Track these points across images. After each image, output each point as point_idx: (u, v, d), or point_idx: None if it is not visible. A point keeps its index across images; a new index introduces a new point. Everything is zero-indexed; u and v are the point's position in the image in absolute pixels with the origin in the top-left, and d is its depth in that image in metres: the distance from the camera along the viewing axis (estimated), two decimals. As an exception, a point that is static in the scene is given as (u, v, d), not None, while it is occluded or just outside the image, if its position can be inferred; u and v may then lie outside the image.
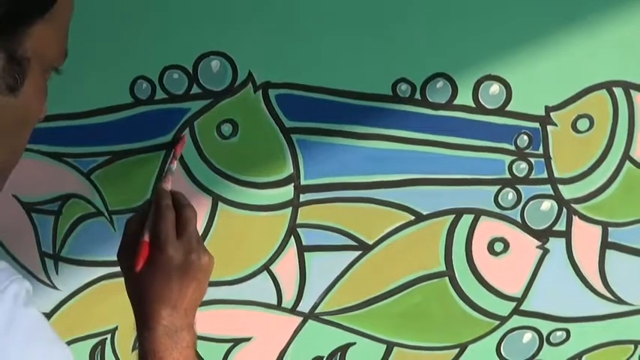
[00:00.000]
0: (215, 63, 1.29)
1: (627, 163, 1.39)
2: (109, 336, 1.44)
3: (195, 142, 1.32)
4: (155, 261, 1.06)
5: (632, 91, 1.36)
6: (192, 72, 1.30)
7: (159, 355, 1.02)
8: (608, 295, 1.48)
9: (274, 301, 1.41)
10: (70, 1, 0.88)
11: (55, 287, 1.43)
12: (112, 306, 1.41)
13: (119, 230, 1.36)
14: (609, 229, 1.44)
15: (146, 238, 1.09)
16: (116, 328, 1.43)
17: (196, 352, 1.08)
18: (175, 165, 1.27)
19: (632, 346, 1.55)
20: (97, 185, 1.35)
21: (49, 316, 1.43)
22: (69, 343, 1.43)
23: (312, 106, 1.32)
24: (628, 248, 1.46)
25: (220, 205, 1.35)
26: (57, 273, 1.42)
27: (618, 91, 1.36)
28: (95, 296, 1.42)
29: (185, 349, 1.04)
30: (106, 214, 1.36)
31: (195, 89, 1.31)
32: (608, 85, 1.35)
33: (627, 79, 1.36)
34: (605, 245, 1.45)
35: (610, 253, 1.45)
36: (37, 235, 1.40)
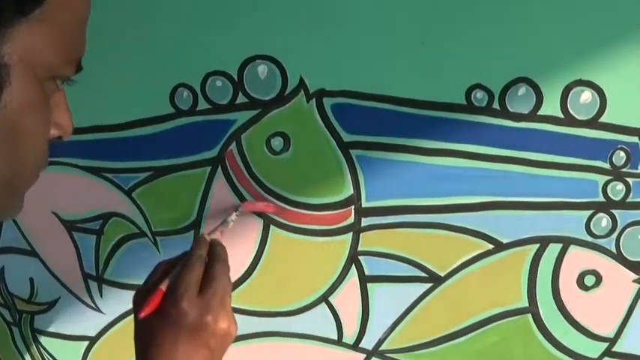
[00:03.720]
0: (262, 68, 1.09)
1: None
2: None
3: (242, 158, 1.11)
4: (165, 313, 0.88)
5: None
6: (237, 79, 1.09)
7: None
8: None
9: (334, 336, 1.19)
10: (76, 0, 0.70)
11: (99, 311, 1.27)
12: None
13: (163, 252, 1.15)
14: None
15: (163, 286, 0.91)
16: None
17: None
18: (234, 219, 1.08)
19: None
20: (138, 203, 1.14)
21: (94, 340, 1.29)
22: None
23: (374, 117, 1.11)
24: None
25: (272, 228, 1.12)
26: (101, 296, 1.28)
27: None
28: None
29: None
30: (149, 234, 1.18)
31: (241, 98, 1.10)
32: None
33: None
34: None
35: None
36: (79, 255, 1.25)
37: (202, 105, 1.14)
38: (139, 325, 0.92)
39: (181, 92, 1.14)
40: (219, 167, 1.15)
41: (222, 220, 1.06)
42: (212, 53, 1.10)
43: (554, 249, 1.15)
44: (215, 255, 0.95)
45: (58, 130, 0.74)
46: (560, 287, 1.17)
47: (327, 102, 1.11)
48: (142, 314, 0.88)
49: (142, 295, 0.93)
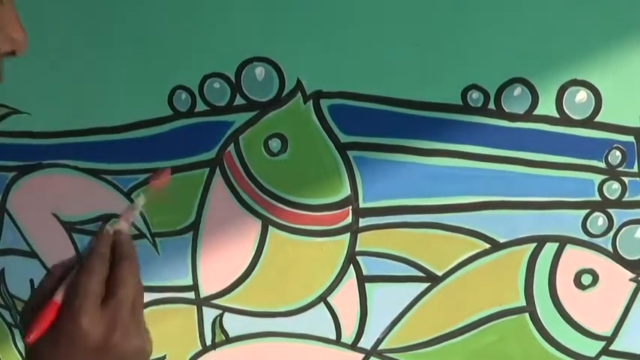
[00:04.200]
0: (260, 70, 1.09)
1: None
2: (156, 366, 1.22)
3: (241, 160, 1.11)
4: (61, 332, 0.67)
5: None
6: (234, 80, 1.08)
7: None
8: None
9: (333, 336, 1.20)
10: None
11: (99, 312, 1.20)
12: (161, 334, 1.18)
13: (163, 253, 1.15)
14: None
15: (57, 297, 0.69)
16: (164, 357, 1.20)
17: None
18: (141, 205, 0.83)
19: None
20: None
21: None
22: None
23: (371, 119, 1.11)
24: None
25: (271, 229, 1.11)
26: (101, 297, 1.19)
27: None
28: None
29: None
30: (148, 235, 1.17)
31: (238, 100, 1.09)
32: None
33: None
34: None
35: None
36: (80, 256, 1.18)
37: (200, 107, 1.14)
38: (28, 350, 0.70)
39: (180, 94, 1.14)
40: (218, 169, 1.14)
41: (128, 206, 0.82)
42: (210, 55, 1.11)
43: (550, 248, 1.15)
44: (119, 252, 0.73)
45: (12, 45, 0.68)
46: (557, 286, 1.17)
47: (324, 103, 1.11)
48: (31, 338, 0.67)
49: (30, 311, 0.70)
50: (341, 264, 1.16)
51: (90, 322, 0.67)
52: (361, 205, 1.13)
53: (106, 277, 0.70)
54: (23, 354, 0.80)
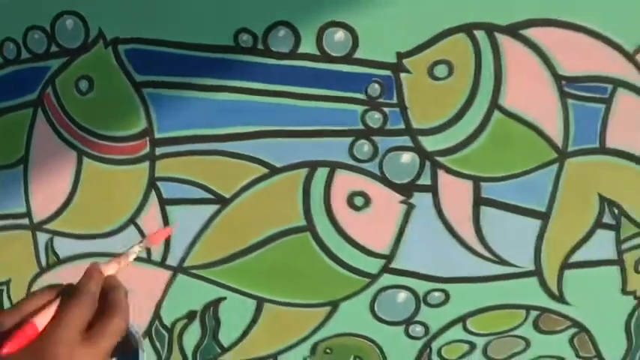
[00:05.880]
0: (69, 22, 1.22)
1: (496, 113, 1.22)
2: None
3: (58, 99, 1.25)
4: (37, 355, 0.68)
5: (496, 34, 1.19)
6: (50, 31, 1.20)
7: None
8: (488, 255, 1.30)
9: (144, 255, 1.29)
10: None
11: None
12: (4, 259, 1.34)
13: (1, 185, 1.32)
14: (481, 184, 1.25)
15: (39, 321, 0.71)
16: (9, 281, 1.35)
17: None
18: (137, 252, 0.87)
19: (524, 311, 1.34)
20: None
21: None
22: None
23: (162, 60, 1.23)
24: (505, 205, 1.26)
25: (86, 160, 1.25)
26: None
27: (480, 35, 1.19)
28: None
29: None
30: None
31: (54, 48, 1.21)
32: (467, 28, 1.19)
33: (490, 20, 1.18)
34: (479, 202, 1.25)
35: (485, 210, 1.27)
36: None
37: (25, 55, 1.28)
38: None
39: (8, 45, 1.28)
40: (40, 108, 1.29)
41: (122, 253, 0.86)
42: (30, 10, 1.24)
43: (322, 173, 1.26)
44: (117, 303, 0.75)
45: None
46: (332, 207, 1.28)
47: (122, 48, 1.24)
48: (4, 352, 0.68)
49: (10, 324, 0.71)
50: (144, 189, 1.29)
51: (67, 354, 0.68)
52: (156, 135, 1.26)
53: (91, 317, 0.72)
54: None
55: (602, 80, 1.23)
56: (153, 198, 1.29)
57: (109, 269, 0.79)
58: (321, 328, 1.36)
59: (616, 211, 1.32)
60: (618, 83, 1.23)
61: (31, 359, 0.68)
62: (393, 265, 1.31)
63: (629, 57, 1.21)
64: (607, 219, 1.33)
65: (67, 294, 0.73)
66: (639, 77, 1.24)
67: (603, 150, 1.28)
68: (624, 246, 1.35)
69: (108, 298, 0.74)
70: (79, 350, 0.69)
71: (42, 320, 0.71)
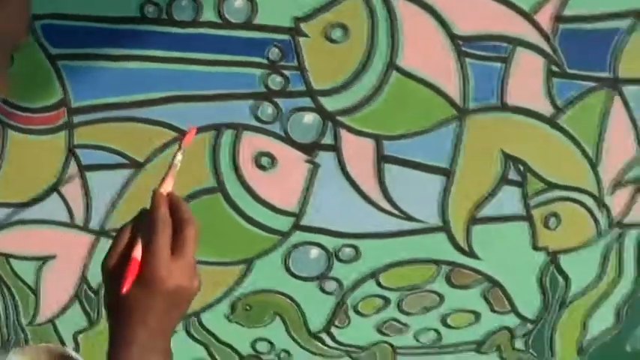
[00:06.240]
0: None
1: (394, 73, 1.27)
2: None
3: (-19, 74, 1.30)
4: (144, 281, 0.86)
5: (390, -4, 1.23)
6: None
7: None
8: (395, 211, 1.35)
9: (68, 220, 1.35)
10: None
11: None
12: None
13: None
14: (383, 142, 1.30)
15: (137, 254, 0.87)
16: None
17: None
18: (180, 159, 1.01)
19: (434, 266, 1.38)
20: None
21: None
22: None
23: (74, 33, 1.28)
24: (407, 162, 1.31)
25: (10, 132, 1.31)
26: None
27: (374, -4, 1.23)
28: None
29: None
30: None
31: None
32: (360, -8, 1.23)
33: (383, -17, 1.22)
34: (382, 159, 1.30)
35: (389, 168, 1.32)
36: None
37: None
38: (111, 293, 0.89)
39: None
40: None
41: (169, 167, 1.00)
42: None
43: (229, 135, 1.32)
44: (180, 214, 0.91)
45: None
46: (240, 168, 1.34)
47: (38, 23, 1.30)
48: (125, 289, 0.85)
49: (115, 266, 0.89)
50: (64, 157, 1.36)
51: (167, 272, 0.86)
52: (73, 105, 1.32)
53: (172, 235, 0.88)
54: (106, 306, 0.92)
55: (499, 39, 1.28)
56: (73, 165, 1.34)
57: (168, 186, 0.96)
58: (239, 285, 1.42)
59: (521, 167, 1.36)
60: (517, 42, 1.28)
61: (143, 288, 0.85)
62: (303, 223, 1.37)
63: (527, 16, 1.26)
64: (513, 175, 1.37)
65: (145, 223, 0.90)
66: (538, 36, 1.28)
67: (504, 107, 1.32)
68: (532, 202, 1.39)
69: (177, 214, 0.91)
70: (174, 265, 0.86)
71: (138, 253, 0.87)
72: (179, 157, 1.01)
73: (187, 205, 0.93)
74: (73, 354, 0.94)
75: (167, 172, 0.98)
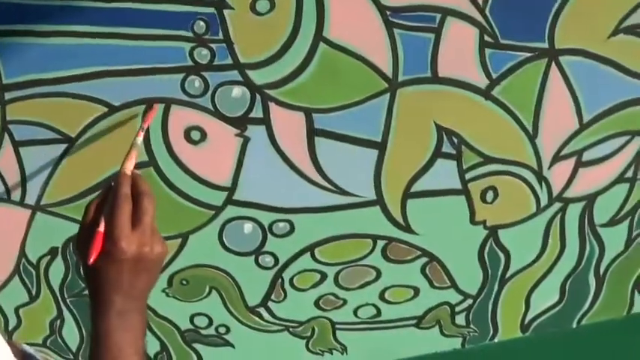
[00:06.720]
0: None
1: (322, 45, 1.26)
2: None
3: None
4: (108, 253, 0.97)
5: (313, -30, 1.21)
6: None
7: (109, 334, 0.98)
8: (328, 185, 1.34)
9: (5, 196, 1.35)
10: None
11: None
12: None
13: None
14: (313, 115, 1.29)
15: (101, 228, 0.98)
16: None
17: (145, 331, 1.03)
18: (142, 138, 1.14)
19: (370, 241, 1.37)
20: None
21: None
22: None
23: (1, 10, 1.26)
24: (338, 135, 1.30)
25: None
26: None
27: (295, -30, 1.22)
28: None
29: (134, 329, 1.00)
30: None
31: None
32: (285, -36, 1.21)
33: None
34: (313, 132, 1.29)
35: (320, 141, 1.31)
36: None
37: None
38: (85, 267, 1.01)
39: None
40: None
41: (131, 145, 1.13)
42: None
43: (158, 109, 1.31)
44: (140, 189, 1.03)
45: None
46: (171, 142, 1.33)
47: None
48: (92, 260, 0.96)
49: (82, 239, 1.01)
50: (-1, 133, 1.36)
51: (127, 243, 0.96)
52: (4, 81, 1.32)
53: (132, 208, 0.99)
54: (82, 276, 1.08)
55: (430, 9, 1.26)
56: (7, 141, 1.34)
57: (130, 165, 1.07)
58: (174, 260, 1.42)
59: (455, 140, 1.34)
60: (447, 12, 1.26)
61: (109, 258, 0.96)
62: (235, 197, 1.36)
63: (457, -16, 1.24)
64: (448, 149, 1.35)
65: (108, 201, 1.01)
66: (470, 5, 1.26)
67: (436, 79, 1.30)
68: (468, 175, 1.37)
69: (135, 188, 1.02)
70: (134, 235, 0.97)
71: (102, 228, 0.97)
72: (140, 137, 1.12)
73: (145, 180, 1.05)
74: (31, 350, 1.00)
75: (129, 151, 1.10)
